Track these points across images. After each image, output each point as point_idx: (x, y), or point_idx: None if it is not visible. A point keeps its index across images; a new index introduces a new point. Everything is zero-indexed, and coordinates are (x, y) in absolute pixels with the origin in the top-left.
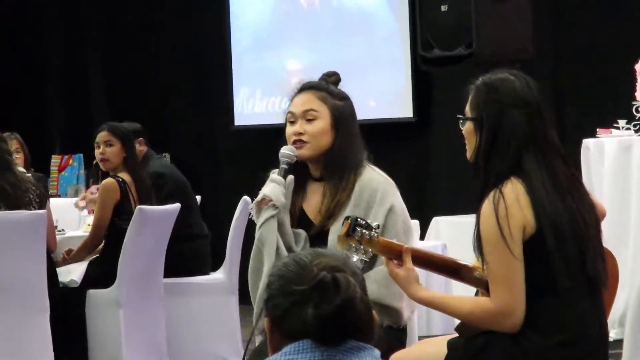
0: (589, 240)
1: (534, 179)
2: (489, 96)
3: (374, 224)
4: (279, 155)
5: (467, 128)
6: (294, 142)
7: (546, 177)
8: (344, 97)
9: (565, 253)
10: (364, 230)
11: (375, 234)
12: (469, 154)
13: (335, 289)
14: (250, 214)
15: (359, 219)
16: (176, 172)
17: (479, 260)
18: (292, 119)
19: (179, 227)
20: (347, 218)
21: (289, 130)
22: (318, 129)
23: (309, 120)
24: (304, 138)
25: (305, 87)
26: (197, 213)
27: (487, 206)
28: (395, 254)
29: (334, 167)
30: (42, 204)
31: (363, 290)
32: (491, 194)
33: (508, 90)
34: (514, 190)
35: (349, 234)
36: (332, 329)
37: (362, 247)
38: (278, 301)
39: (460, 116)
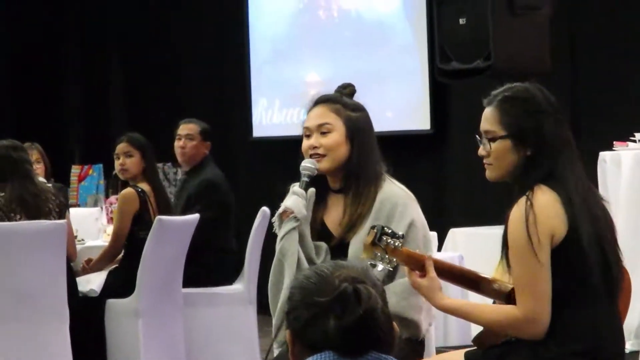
0: (608, 244)
1: (565, 186)
2: (521, 110)
3: (399, 233)
4: (300, 168)
5: (501, 147)
6: (311, 156)
7: (575, 183)
8: (359, 109)
9: (587, 261)
10: (390, 240)
11: (400, 244)
12: (497, 174)
13: (357, 301)
14: (270, 225)
15: (385, 228)
16: (228, 188)
17: (503, 263)
18: (308, 132)
19: (213, 239)
20: (373, 227)
21: (305, 144)
22: (333, 142)
23: (324, 134)
24: (319, 151)
25: (320, 101)
26: (232, 229)
27: (516, 212)
28: (418, 264)
29: (353, 178)
30: (62, 213)
31: (384, 301)
32: (521, 200)
33: (535, 100)
34: (544, 198)
35: (375, 242)
36: (354, 340)
37: (387, 256)
38: (299, 313)
39: (492, 136)
